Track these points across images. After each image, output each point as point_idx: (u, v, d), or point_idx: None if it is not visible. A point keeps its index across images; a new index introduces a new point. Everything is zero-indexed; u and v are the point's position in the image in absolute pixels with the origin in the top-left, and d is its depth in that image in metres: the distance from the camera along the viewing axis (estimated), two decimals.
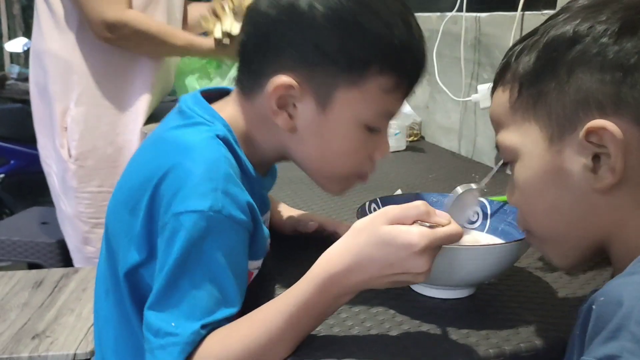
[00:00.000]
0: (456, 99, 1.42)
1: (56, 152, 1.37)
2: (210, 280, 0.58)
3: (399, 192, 0.99)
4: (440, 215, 0.56)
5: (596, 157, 0.49)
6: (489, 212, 0.81)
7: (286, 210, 0.94)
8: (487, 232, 0.80)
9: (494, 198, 0.83)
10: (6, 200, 2.69)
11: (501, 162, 0.75)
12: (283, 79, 0.63)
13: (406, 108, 1.42)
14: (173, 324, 0.57)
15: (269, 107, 0.65)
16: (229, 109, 0.69)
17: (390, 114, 0.68)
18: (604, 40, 0.48)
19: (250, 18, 0.66)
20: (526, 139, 0.53)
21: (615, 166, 0.48)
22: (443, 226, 0.55)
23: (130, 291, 0.66)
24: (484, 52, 1.37)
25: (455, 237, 0.55)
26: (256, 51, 0.66)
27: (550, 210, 0.54)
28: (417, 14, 1.75)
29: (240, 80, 0.70)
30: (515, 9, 1.20)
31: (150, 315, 0.59)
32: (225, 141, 0.64)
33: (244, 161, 0.67)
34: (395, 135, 1.43)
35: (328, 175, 0.71)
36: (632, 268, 0.46)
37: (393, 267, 0.54)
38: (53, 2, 1.33)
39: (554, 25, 0.52)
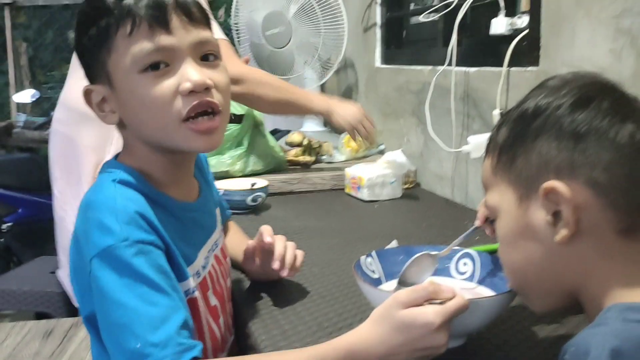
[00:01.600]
0: (448, 149, 1.48)
1: (77, 200, 1.41)
2: (150, 293, 0.63)
3: (394, 243, 1.04)
4: (446, 291, 0.64)
5: (556, 213, 0.56)
6: (478, 263, 0.86)
7: (241, 250, 0.98)
8: (477, 282, 0.85)
9: (481, 248, 0.89)
10: (14, 249, 2.73)
11: (471, 229, 0.84)
12: (84, 87, 0.75)
13: (401, 157, 1.48)
14: (139, 345, 0.61)
15: (97, 115, 0.75)
16: (123, 153, 0.78)
17: (156, 49, 0.69)
18: (560, 112, 0.56)
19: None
20: (503, 199, 0.61)
21: (568, 222, 0.55)
22: (450, 300, 0.63)
23: (97, 336, 0.70)
24: (473, 104, 1.44)
25: (464, 308, 0.64)
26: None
27: (523, 262, 0.61)
28: (410, 67, 1.84)
29: None
30: (502, 65, 1.28)
31: (112, 347, 0.63)
32: (126, 182, 0.72)
33: (155, 193, 0.74)
34: (391, 183, 1.49)
35: (163, 132, 0.72)
36: (599, 319, 0.51)
37: (417, 345, 0.62)
38: None
39: (525, 101, 0.61)
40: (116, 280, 0.63)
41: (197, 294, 0.76)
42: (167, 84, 0.70)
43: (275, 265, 0.88)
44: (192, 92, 0.70)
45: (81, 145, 1.40)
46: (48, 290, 1.84)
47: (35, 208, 2.78)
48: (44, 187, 2.61)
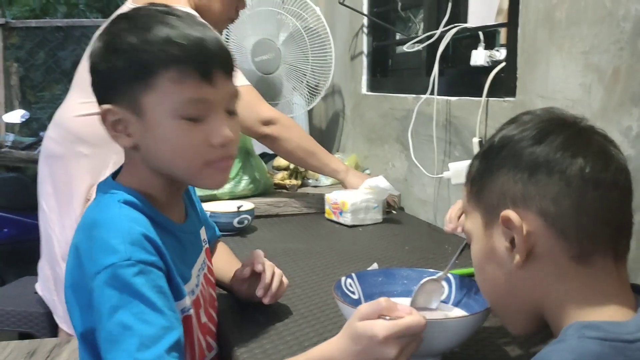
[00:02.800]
0: (430, 175, 1.53)
1: (66, 219, 1.42)
2: (147, 312, 0.66)
3: (374, 266, 1.07)
4: (402, 309, 0.67)
5: (513, 240, 0.61)
6: (454, 286, 0.89)
7: (229, 270, 1.01)
8: (453, 304, 0.88)
9: (457, 272, 0.92)
10: None
11: (458, 252, 0.87)
12: (103, 107, 0.76)
13: (383, 182, 1.52)
14: None
15: (110, 135, 0.77)
16: (123, 174, 0.81)
17: (199, 100, 0.74)
18: (520, 146, 0.61)
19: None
20: (474, 226, 0.67)
21: (520, 247, 0.60)
22: (402, 317, 0.66)
23: (91, 351, 0.73)
24: (454, 132, 1.49)
25: (416, 328, 0.66)
26: (98, 102, 0.79)
27: (491, 284, 0.66)
28: (395, 95, 1.90)
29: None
30: (481, 95, 1.33)
31: None
32: (131, 203, 0.75)
33: (156, 215, 0.77)
34: (374, 209, 1.53)
35: (182, 172, 0.78)
36: (560, 336, 0.55)
37: (362, 356, 0.65)
38: None
39: (496, 133, 0.66)
40: (115, 297, 0.66)
41: (192, 311, 0.79)
42: (199, 135, 0.75)
43: (259, 293, 0.92)
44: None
45: (75, 166, 1.42)
46: (32, 311, 1.83)
47: (20, 228, 2.78)
48: (30, 207, 2.60)
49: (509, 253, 0.61)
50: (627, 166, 0.62)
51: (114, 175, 0.82)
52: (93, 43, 0.79)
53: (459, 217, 0.95)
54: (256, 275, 0.94)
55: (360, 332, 0.65)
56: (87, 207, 0.80)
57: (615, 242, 0.59)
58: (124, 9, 1.41)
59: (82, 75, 1.45)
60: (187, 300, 0.78)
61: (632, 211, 0.62)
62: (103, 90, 0.77)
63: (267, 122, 1.55)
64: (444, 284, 0.90)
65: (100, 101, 0.77)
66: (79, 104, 1.45)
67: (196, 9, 1.48)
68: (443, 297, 0.89)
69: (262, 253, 0.97)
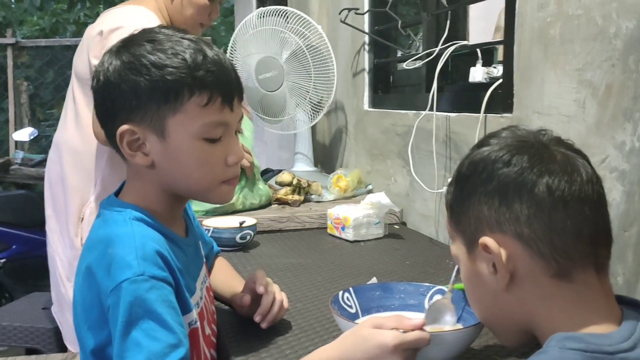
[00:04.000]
0: (429, 190, 1.54)
1: (67, 239, 1.46)
2: (156, 330, 0.69)
3: (374, 280, 1.09)
4: (414, 325, 0.70)
5: (495, 264, 0.62)
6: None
7: (235, 288, 1.03)
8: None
9: (455, 286, 0.93)
10: (6, 285, 2.75)
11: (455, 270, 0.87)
12: (122, 128, 0.77)
13: (384, 199, 1.54)
14: None
15: (125, 153, 0.79)
16: (128, 192, 0.83)
17: (220, 123, 0.79)
18: (486, 172, 0.62)
19: (94, 98, 0.82)
20: (459, 250, 0.68)
21: (501, 273, 0.61)
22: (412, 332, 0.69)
23: None
24: (454, 147, 1.51)
25: (423, 342, 0.69)
26: (104, 124, 0.81)
27: (480, 304, 0.68)
28: (396, 111, 1.91)
29: (116, 151, 0.82)
30: (479, 111, 1.35)
31: None
32: (141, 219, 0.77)
33: (165, 230, 0.80)
34: (375, 224, 1.54)
35: (198, 189, 0.82)
36: (543, 348, 0.57)
37: None
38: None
39: (465, 158, 0.67)
40: (128, 313, 0.68)
41: (198, 324, 0.82)
42: (218, 155, 0.80)
43: (257, 319, 0.93)
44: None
45: (69, 186, 1.46)
46: (39, 326, 1.86)
47: (29, 245, 2.81)
48: (39, 224, 2.64)
49: (492, 277, 0.62)
50: (594, 175, 0.62)
51: (117, 192, 0.85)
52: (103, 61, 0.79)
53: None
54: (257, 295, 0.96)
55: (368, 338, 0.68)
56: (92, 225, 0.82)
57: (594, 254, 0.60)
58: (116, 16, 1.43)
59: (74, 95, 1.50)
60: (194, 313, 0.81)
61: (607, 218, 0.62)
62: (120, 109, 0.78)
63: None
64: (441, 297, 0.91)
65: (114, 121, 0.78)
66: (71, 124, 1.49)
67: (167, 11, 1.50)
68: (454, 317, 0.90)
69: (264, 274, 0.98)
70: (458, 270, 0.89)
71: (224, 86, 0.78)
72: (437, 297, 0.88)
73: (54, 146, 1.54)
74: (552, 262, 0.59)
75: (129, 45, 0.79)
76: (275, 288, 0.97)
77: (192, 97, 0.76)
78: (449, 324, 0.83)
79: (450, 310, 0.86)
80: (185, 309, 0.77)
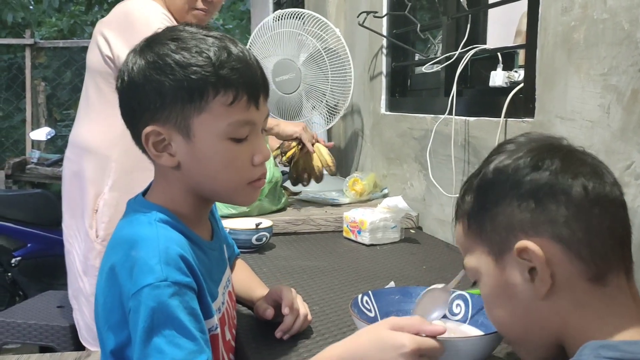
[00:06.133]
0: (448, 195, 1.53)
1: (82, 232, 1.48)
2: (178, 337, 0.67)
3: (391, 284, 1.08)
4: (435, 331, 0.67)
5: (532, 270, 0.60)
6: (470, 304, 0.89)
7: (255, 291, 1.03)
8: (469, 323, 0.88)
9: (474, 291, 0.92)
10: (21, 283, 2.77)
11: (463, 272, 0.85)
12: (147, 129, 0.76)
13: (401, 203, 1.53)
14: None
15: (151, 154, 0.78)
16: (155, 193, 0.82)
17: (247, 122, 0.77)
18: (517, 176, 0.61)
19: (119, 98, 0.80)
20: (480, 262, 0.65)
21: (544, 277, 0.59)
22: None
23: None
24: (472, 152, 1.49)
25: (439, 351, 0.67)
26: (130, 124, 0.80)
27: (508, 318, 0.65)
28: (414, 115, 1.90)
29: (142, 151, 0.81)
30: (500, 116, 1.34)
31: None
32: (166, 222, 0.76)
33: (189, 233, 0.79)
34: (392, 228, 1.53)
35: (224, 191, 0.81)
36: (575, 357, 0.55)
37: None
38: (107, 98, 1.47)
39: (486, 165, 0.65)
40: (150, 318, 0.67)
41: (218, 330, 0.80)
42: (244, 153, 0.79)
43: (278, 335, 0.92)
44: None
45: (84, 179, 1.47)
46: (53, 324, 1.87)
47: (44, 243, 2.83)
48: (54, 223, 2.66)
49: (528, 285, 0.60)
50: (617, 180, 0.62)
51: (144, 192, 0.84)
52: (127, 61, 0.78)
53: None
54: (280, 306, 0.94)
55: (385, 338, 0.66)
56: (118, 224, 0.81)
57: (623, 256, 0.60)
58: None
59: (87, 90, 1.52)
60: (215, 319, 0.79)
61: (630, 223, 0.62)
62: (145, 109, 0.76)
63: None
64: (461, 302, 0.90)
65: (138, 121, 0.77)
66: (88, 120, 1.51)
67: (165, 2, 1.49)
68: (459, 316, 0.89)
69: (290, 291, 0.96)
70: (465, 275, 0.88)
71: (249, 84, 0.77)
72: (432, 287, 0.86)
73: (69, 144, 1.56)
74: (591, 265, 0.58)
75: (152, 44, 0.77)
76: (299, 301, 0.96)
77: (217, 96, 0.75)
78: (437, 317, 0.84)
79: (443, 302, 0.85)
80: (206, 314, 0.76)
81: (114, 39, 1.43)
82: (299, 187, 1.95)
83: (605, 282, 0.58)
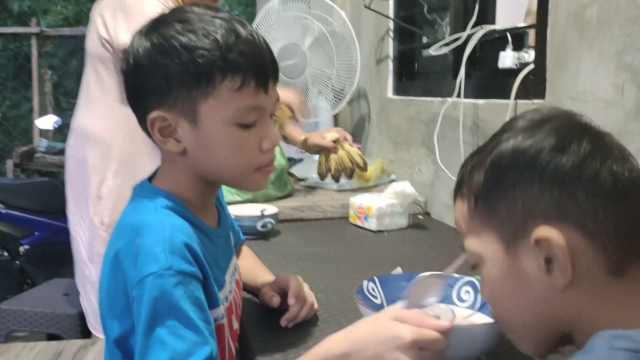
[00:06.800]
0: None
1: (87, 220, 1.47)
2: (181, 328, 0.66)
3: (398, 270, 1.06)
4: (439, 327, 0.63)
5: (549, 259, 0.55)
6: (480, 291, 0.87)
7: (260, 277, 1.01)
8: (479, 310, 0.86)
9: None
10: (29, 271, 2.77)
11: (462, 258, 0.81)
12: (153, 114, 0.73)
13: (409, 188, 1.50)
14: None
15: (157, 140, 0.75)
16: (161, 178, 0.80)
17: (255, 107, 0.75)
18: (541, 157, 0.55)
19: (124, 81, 0.78)
20: (487, 246, 0.59)
21: (565, 269, 0.54)
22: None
23: (125, 358, 0.73)
24: (481, 135, 1.46)
25: (441, 345, 0.63)
26: (134, 107, 0.78)
27: (515, 307, 0.60)
28: (421, 99, 1.86)
29: (147, 135, 0.79)
30: (509, 98, 1.30)
31: None
32: (172, 209, 0.74)
33: (195, 220, 0.77)
34: (399, 214, 1.50)
35: (232, 177, 0.79)
36: (588, 347, 0.52)
37: (380, 357, 0.61)
38: (106, 84, 1.45)
39: (498, 143, 0.59)
40: (153, 309, 0.65)
41: (225, 320, 0.79)
42: (252, 141, 0.76)
43: (283, 324, 0.90)
44: None
45: (87, 167, 1.46)
46: (60, 312, 1.87)
47: (51, 231, 2.83)
48: (62, 211, 2.66)
49: (543, 275, 0.55)
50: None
51: (150, 177, 0.82)
52: (132, 43, 0.75)
53: None
54: (286, 293, 0.93)
55: (384, 329, 0.63)
56: (123, 210, 0.79)
57: None
58: None
59: (87, 76, 1.50)
60: (222, 309, 0.77)
61: None
62: (150, 94, 0.74)
63: None
64: (470, 289, 0.87)
65: (144, 105, 0.75)
66: (88, 107, 1.50)
67: None
68: (468, 303, 0.87)
69: (297, 280, 0.94)
70: (465, 260, 0.84)
71: (257, 68, 0.74)
72: (428, 274, 0.83)
73: (72, 132, 1.54)
74: (613, 256, 0.54)
75: (158, 25, 0.75)
76: (306, 289, 0.94)
77: (224, 81, 0.72)
78: (431, 304, 0.79)
79: (438, 289, 0.81)
80: (212, 303, 0.74)
81: (111, 20, 1.40)
82: (305, 174, 1.93)
83: (625, 273, 0.55)
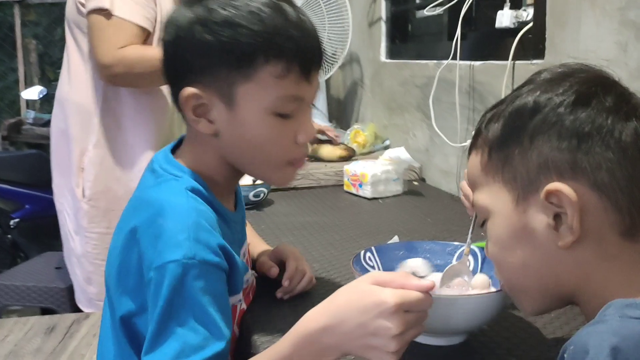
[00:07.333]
0: (452, 144, 1.46)
1: (70, 191, 1.44)
2: (196, 320, 0.63)
3: (395, 238, 1.03)
4: (422, 287, 0.58)
5: (557, 216, 0.53)
6: (480, 259, 0.85)
7: (256, 247, 0.98)
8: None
9: (483, 244, 0.87)
10: (21, 244, 2.75)
11: (472, 226, 0.80)
12: (188, 90, 0.69)
13: (404, 154, 1.47)
14: None
15: (189, 118, 0.71)
16: (187, 154, 0.76)
17: (296, 98, 0.71)
18: (561, 110, 0.53)
19: (162, 51, 0.73)
20: (496, 199, 0.58)
21: (572, 225, 0.52)
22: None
23: (128, 337, 0.71)
24: (478, 98, 1.42)
25: (426, 304, 0.59)
26: (169, 79, 0.73)
27: (520, 265, 0.58)
28: (415, 62, 1.82)
29: (177, 108, 0.75)
30: (507, 59, 1.26)
31: None
32: (197, 191, 0.70)
33: (217, 204, 0.73)
34: (394, 180, 1.48)
35: (261, 168, 0.75)
36: (599, 317, 0.49)
37: (365, 327, 0.57)
38: (85, 52, 1.40)
39: (518, 96, 0.57)
40: (169, 296, 0.62)
41: (244, 305, 0.77)
42: (288, 132, 0.72)
43: (279, 295, 0.88)
44: None
45: (70, 138, 1.42)
46: (52, 286, 1.85)
47: (42, 204, 2.79)
48: (51, 183, 2.63)
49: (551, 232, 0.54)
50: None
51: (173, 149, 0.77)
52: (175, 11, 0.71)
53: None
54: (283, 264, 0.91)
55: (366, 296, 0.57)
56: (142, 179, 0.75)
57: None
58: None
59: (67, 44, 1.44)
60: (241, 294, 0.76)
61: None
62: (187, 69, 0.70)
63: (107, 67, 1.31)
64: (470, 257, 0.85)
65: (180, 80, 0.71)
66: (66, 75, 1.45)
67: None
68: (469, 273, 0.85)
69: (295, 253, 0.92)
70: (473, 229, 0.82)
71: (304, 55, 0.69)
72: (450, 266, 0.81)
73: (56, 103, 1.50)
74: (626, 217, 0.52)
75: None
76: (304, 263, 0.92)
77: (266, 66, 0.67)
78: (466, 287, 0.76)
79: (466, 274, 0.79)
80: (236, 289, 0.72)
81: None
82: None
83: (637, 237, 0.53)
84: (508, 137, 0.56)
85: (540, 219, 0.54)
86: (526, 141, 0.55)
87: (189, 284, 0.63)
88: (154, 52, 1.38)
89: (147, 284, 0.64)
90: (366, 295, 0.58)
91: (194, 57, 0.69)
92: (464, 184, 0.84)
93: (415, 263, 0.85)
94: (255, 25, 0.66)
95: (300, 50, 0.69)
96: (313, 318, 0.60)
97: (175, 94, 0.72)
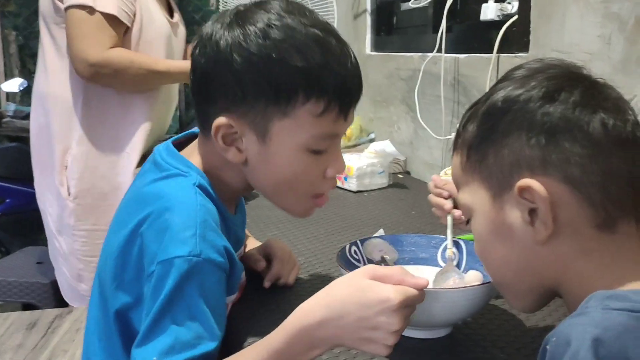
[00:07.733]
0: (437, 137, 1.47)
1: (53, 190, 1.41)
2: (191, 318, 0.62)
3: (381, 231, 1.03)
4: (417, 284, 0.59)
5: (533, 212, 0.54)
6: (464, 251, 0.85)
7: (248, 243, 0.98)
8: (464, 271, 0.84)
9: (468, 237, 0.87)
10: (2, 239, 2.71)
11: (449, 225, 0.81)
12: (221, 120, 0.68)
13: (389, 147, 1.47)
14: (155, 358, 0.60)
15: (218, 147, 0.70)
16: (197, 154, 0.74)
17: (331, 135, 0.70)
18: (530, 106, 0.54)
19: (192, 64, 0.71)
20: (475, 198, 0.59)
21: (545, 220, 0.53)
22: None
23: (120, 331, 0.70)
24: (462, 91, 1.42)
25: (420, 301, 0.60)
26: (198, 96, 0.71)
27: (501, 260, 0.59)
28: (401, 54, 1.81)
29: (198, 123, 0.74)
30: (492, 52, 1.26)
31: (134, 353, 0.62)
32: (203, 189, 0.69)
33: (220, 205, 0.72)
34: (379, 173, 1.47)
35: (285, 199, 0.75)
36: (581, 309, 0.50)
37: (365, 321, 0.57)
38: (63, 48, 1.37)
39: (492, 94, 0.57)
40: (171, 293, 0.62)
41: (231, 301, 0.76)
42: (319, 168, 0.71)
43: (266, 285, 0.88)
44: None
45: (51, 135, 1.39)
46: (33, 281, 1.82)
47: (23, 198, 2.75)
48: (32, 178, 2.59)
49: (527, 227, 0.54)
50: (638, 119, 0.55)
51: (177, 144, 0.76)
52: (212, 28, 0.68)
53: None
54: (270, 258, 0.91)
55: (369, 291, 0.57)
56: (145, 171, 0.74)
57: (636, 203, 0.53)
58: None
59: (42, 39, 1.41)
60: (235, 295, 0.76)
61: None
62: (221, 95, 0.68)
63: (96, 66, 1.29)
64: (454, 249, 0.85)
65: (211, 103, 0.68)
66: (43, 71, 1.42)
67: None
68: (454, 263, 0.85)
69: (283, 248, 0.92)
70: (453, 228, 0.82)
71: (345, 94, 0.67)
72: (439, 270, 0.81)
73: (36, 97, 1.47)
74: (600, 210, 0.52)
75: (244, 17, 0.67)
76: (289, 267, 0.91)
77: (306, 104, 0.66)
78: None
79: (456, 273, 0.80)
80: (233, 289, 0.72)
81: None
82: None
83: (615, 229, 0.53)
84: (483, 136, 0.57)
85: (516, 215, 0.55)
86: (499, 139, 0.55)
87: (191, 280, 0.62)
88: (142, 59, 1.38)
89: (148, 278, 0.64)
90: (368, 291, 0.58)
91: (230, 84, 0.67)
92: (433, 196, 0.88)
93: (377, 242, 0.85)
94: (298, 62, 0.64)
95: (341, 88, 0.67)
96: (309, 311, 0.60)
97: (203, 118, 0.71)
